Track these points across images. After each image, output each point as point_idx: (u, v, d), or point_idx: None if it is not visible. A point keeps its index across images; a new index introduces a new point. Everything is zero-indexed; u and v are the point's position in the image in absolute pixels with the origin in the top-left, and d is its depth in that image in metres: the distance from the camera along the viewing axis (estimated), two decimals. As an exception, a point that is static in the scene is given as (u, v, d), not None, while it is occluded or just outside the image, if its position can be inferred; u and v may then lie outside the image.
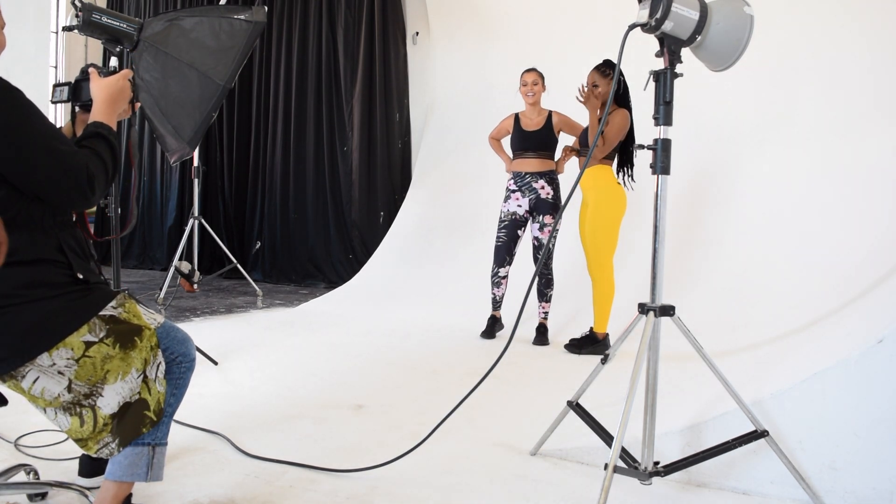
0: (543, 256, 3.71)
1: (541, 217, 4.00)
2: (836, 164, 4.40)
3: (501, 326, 4.21)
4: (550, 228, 3.97)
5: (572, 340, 3.82)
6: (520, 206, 4.05)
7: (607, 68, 3.66)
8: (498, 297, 4.16)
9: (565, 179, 4.83)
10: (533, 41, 5.62)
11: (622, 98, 3.69)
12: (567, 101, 3.89)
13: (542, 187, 4.00)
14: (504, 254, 4.08)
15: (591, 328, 3.80)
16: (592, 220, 3.70)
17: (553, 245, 4.04)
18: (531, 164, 4.03)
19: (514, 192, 4.07)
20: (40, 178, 1.35)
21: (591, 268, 3.76)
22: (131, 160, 1.89)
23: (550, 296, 4.06)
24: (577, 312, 4.36)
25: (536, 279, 4.00)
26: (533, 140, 4.03)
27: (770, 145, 4.67)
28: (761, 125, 4.72)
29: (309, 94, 6.69)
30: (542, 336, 4.00)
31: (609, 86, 3.66)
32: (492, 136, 4.29)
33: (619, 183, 3.72)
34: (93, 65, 1.64)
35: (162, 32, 4.63)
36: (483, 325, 4.20)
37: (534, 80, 4.03)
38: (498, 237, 4.09)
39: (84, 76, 1.64)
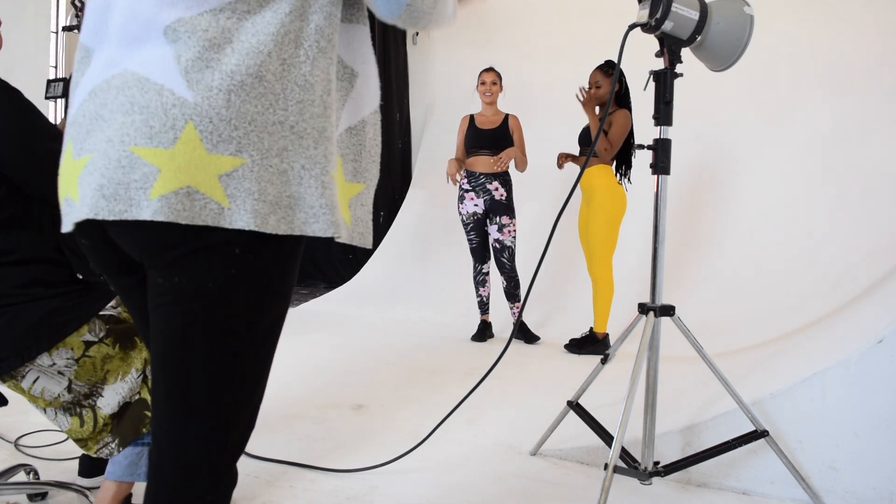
0: (509, 260, 3.70)
1: (497, 218, 3.97)
2: (836, 164, 4.40)
3: (492, 334, 4.18)
4: (510, 229, 3.97)
5: (572, 340, 3.82)
6: (476, 205, 4.02)
7: (609, 68, 3.66)
8: (485, 298, 4.14)
9: (565, 180, 4.84)
10: (533, 41, 5.62)
11: (623, 98, 3.70)
12: (566, 100, 3.89)
13: (496, 189, 3.96)
14: (481, 252, 4.09)
15: (591, 328, 3.80)
16: (594, 219, 3.70)
17: (514, 245, 4.01)
18: (485, 164, 3.98)
19: (467, 191, 4.04)
20: (42, 178, 1.35)
21: (592, 268, 3.76)
22: None
23: (520, 295, 4.04)
24: (576, 312, 4.36)
25: (504, 283, 4.01)
26: (487, 138, 3.98)
27: (770, 145, 4.67)
28: (761, 125, 4.72)
29: (309, 94, 6.69)
30: (525, 334, 4.00)
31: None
32: (457, 158, 4.12)
33: (619, 183, 3.73)
34: None
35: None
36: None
37: (492, 79, 4.02)
38: (469, 239, 4.09)
39: None
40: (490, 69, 4.08)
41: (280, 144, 0.88)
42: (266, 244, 0.89)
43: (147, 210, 0.83)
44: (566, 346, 3.80)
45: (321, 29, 0.90)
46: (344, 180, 0.99)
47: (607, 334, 3.78)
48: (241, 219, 0.85)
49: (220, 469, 0.94)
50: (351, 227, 1.00)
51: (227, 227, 0.85)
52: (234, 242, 0.87)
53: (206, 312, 0.88)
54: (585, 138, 3.81)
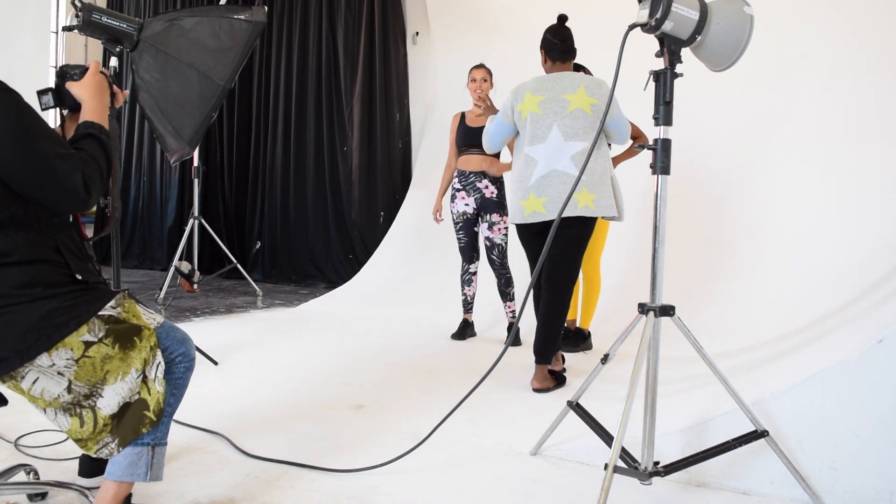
0: (500, 258, 3.68)
1: (488, 216, 3.96)
2: (836, 163, 4.39)
3: (474, 333, 4.19)
4: (500, 227, 3.96)
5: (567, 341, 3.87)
6: (467, 205, 4.01)
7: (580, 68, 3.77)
8: (469, 298, 4.15)
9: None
10: (533, 41, 5.59)
11: None
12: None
13: (486, 187, 3.95)
14: (470, 251, 4.09)
15: (578, 326, 3.87)
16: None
17: (505, 243, 3.99)
18: (474, 163, 3.96)
19: (458, 191, 4.04)
20: (37, 181, 1.35)
21: (587, 268, 3.78)
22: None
23: (513, 294, 4.03)
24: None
25: (497, 280, 4.00)
26: (477, 136, 3.88)
27: (770, 145, 4.67)
28: (761, 125, 4.72)
29: (309, 94, 6.69)
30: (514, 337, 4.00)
31: None
32: (448, 166, 4.16)
33: None
34: (65, 66, 1.62)
35: (162, 32, 4.62)
36: (476, 326, 4.23)
37: (482, 76, 4.01)
38: (459, 238, 4.09)
39: (61, 80, 1.62)
40: (480, 66, 4.07)
41: (607, 189, 2.93)
42: (594, 219, 2.99)
43: (578, 213, 2.87)
44: (562, 349, 3.83)
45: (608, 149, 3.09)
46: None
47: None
48: (600, 213, 2.92)
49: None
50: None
51: (595, 216, 2.92)
52: (592, 219, 2.97)
53: (579, 239, 2.98)
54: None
